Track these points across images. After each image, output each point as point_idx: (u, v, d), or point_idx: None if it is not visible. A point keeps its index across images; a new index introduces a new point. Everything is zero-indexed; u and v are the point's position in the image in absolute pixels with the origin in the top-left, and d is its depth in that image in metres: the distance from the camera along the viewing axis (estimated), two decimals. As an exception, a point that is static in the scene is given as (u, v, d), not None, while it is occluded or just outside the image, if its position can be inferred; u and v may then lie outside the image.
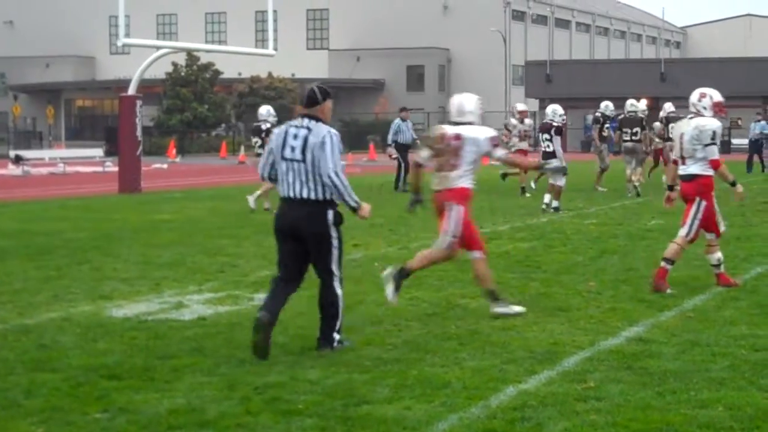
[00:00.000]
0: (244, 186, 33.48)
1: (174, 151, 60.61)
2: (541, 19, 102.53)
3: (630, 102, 27.81)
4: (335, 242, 8.97)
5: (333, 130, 9.00)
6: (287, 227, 8.97)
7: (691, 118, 12.15)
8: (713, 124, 11.99)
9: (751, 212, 21.59)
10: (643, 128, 26.89)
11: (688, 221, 12.16)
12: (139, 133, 31.54)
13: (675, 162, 12.28)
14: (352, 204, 8.99)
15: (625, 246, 16.32)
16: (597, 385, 7.79)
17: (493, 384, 7.85)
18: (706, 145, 11.91)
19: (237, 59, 69.27)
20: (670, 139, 22.94)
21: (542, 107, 74.76)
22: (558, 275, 13.20)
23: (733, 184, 12.28)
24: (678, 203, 12.42)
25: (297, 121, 9.07)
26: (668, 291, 11.74)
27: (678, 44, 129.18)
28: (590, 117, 46.86)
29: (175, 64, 75.62)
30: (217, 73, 77.15)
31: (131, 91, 31.75)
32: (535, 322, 10.20)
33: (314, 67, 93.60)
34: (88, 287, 12.57)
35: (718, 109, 12.20)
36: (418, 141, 29.62)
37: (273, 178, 9.21)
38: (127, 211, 23.70)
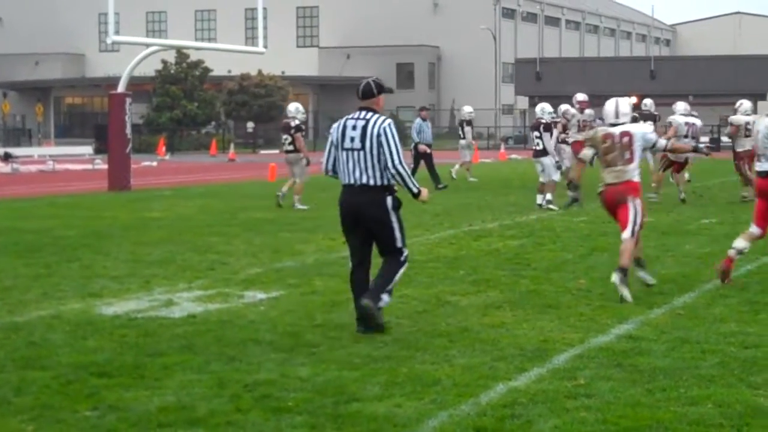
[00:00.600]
0: (233, 184, 33.48)
1: (164, 148, 60.58)
2: (531, 17, 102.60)
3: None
4: (395, 224, 9.56)
5: (389, 120, 9.61)
6: (350, 213, 9.62)
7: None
8: None
9: (741, 209, 21.62)
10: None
11: None
12: (128, 130, 31.49)
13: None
14: (414, 190, 9.66)
15: (615, 244, 16.28)
16: (587, 382, 7.79)
17: (483, 381, 7.85)
18: None
19: (227, 57, 69.19)
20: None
21: (532, 105, 74.83)
22: (548, 273, 13.21)
23: None
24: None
25: (355, 114, 9.71)
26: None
27: (668, 42, 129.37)
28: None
29: (164, 62, 75.52)
30: (207, 70, 77.04)
31: (121, 88, 31.71)
32: (525, 319, 10.20)
33: (304, 64, 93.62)
34: (78, 285, 12.55)
35: None
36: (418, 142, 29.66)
37: (334, 172, 9.79)
38: (117, 208, 23.67)
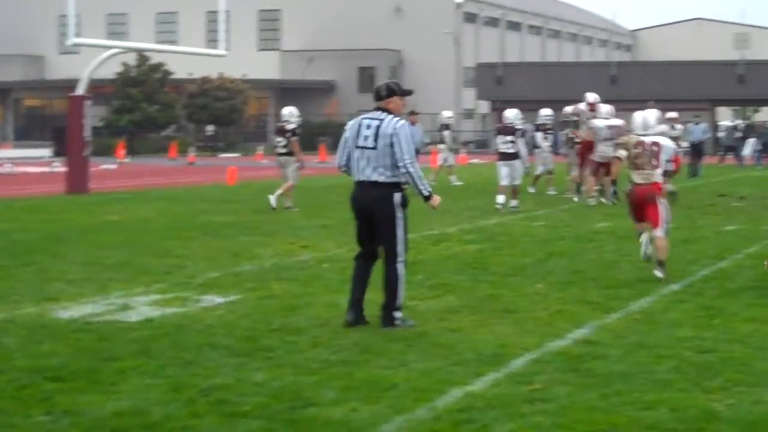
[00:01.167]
0: (193, 187, 33.35)
1: (123, 151, 60.25)
2: (493, 22, 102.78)
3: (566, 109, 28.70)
4: (400, 222, 9.88)
5: (403, 121, 9.99)
6: (360, 208, 10.04)
7: None
8: None
9: (698, 214, 21.77)
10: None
11: None
12: (87, 133, 31.29)
13: None
14: (425, 192, 9.94)
15: (573, 248, 16.40)
16: (543, 386, 7.81)
17: (440, 386, 7.85)
18: None
19: (188, 60, 68.85)
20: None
21: (494, 109, 74.95)
22: (506, 277, 13.23)
23: None
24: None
25: (371, 114, 10.10)
26: None
27: (629, 47, 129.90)
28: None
29: (125, 64, 75.12)
30: (168, 73, 76.66)
31: (80, 91, 31.50)
32: (482, 324, 10.22)
33: (266, 67, 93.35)
34: (34, 289, 12.45)
35: None
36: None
37: (347, 167, 10.17)
38: (75, 212, 23.51)
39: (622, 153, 13.79)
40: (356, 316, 10.06)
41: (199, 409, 7.27)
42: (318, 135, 71.58)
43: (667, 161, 13.63)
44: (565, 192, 27.36)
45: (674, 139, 28.86)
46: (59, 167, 41.24)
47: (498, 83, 77.25)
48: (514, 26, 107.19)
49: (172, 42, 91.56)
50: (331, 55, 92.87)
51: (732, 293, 12.03)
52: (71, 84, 35.61)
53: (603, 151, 24.01)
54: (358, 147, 9.99)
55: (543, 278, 13.18)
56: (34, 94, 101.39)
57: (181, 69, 78.21)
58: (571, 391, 7.70)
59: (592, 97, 27.65)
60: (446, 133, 33.90)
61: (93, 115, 33.80)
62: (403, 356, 8.82)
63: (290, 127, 23.55)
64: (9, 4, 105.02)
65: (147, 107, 74.75)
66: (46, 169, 45.42)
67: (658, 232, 13.30)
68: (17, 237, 18.04)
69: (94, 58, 32.91)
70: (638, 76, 73.13)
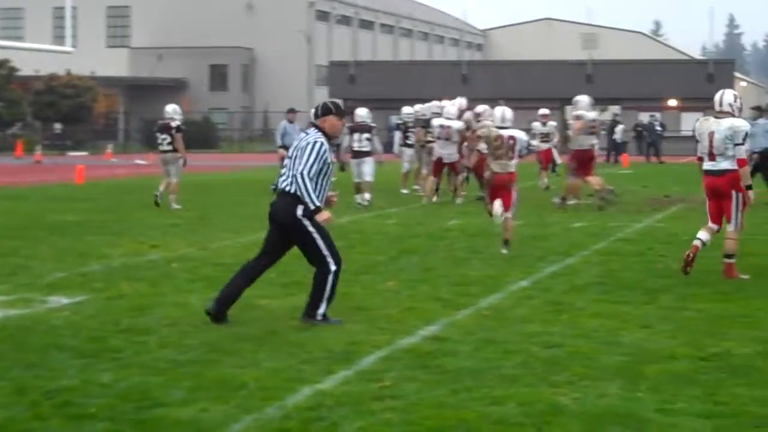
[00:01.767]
0: (40, 186, 32.69)
1: (-32, 149, 58.79)
2: (345, 20, 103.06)
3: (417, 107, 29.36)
4: (312, 229, 10.04)
5: (322, 139, 10.10)
6: (271, 214, 10.24)
7: (718, 117, 12.84)
8: (745, 125, 12.85)
9: (548, 212, 22.11)
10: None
11: (733, 214, 12.87)
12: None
13: (699, 159, 13.10)
14: (311, 206, 9.99)
15: (425, 246, 16.50)
16: (393, 383, 7.83)
17: (290, 384, 7.82)
18: (737, 144, 12.69)
19: (34, 56, 67.66)
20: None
21: (346, 108, 75.08)
22: (358, 275, 13.24)
23: (749, 188, 12.98)
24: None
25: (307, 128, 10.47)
26: (744, 277, 12.77)
27: (480, 46, 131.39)
28: (393, 118, 47.18)
29: (-31, 61, 73.29)
30: (14, 70, 74.97)
31: None
32: (333, 321, 10.20)
33: (114, 65, 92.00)
34: None
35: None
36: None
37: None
38: None
39: (482, 147, 15.43)
40: (218, 310, 10.03)
41: (42, 411, 7.11)
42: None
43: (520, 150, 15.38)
44: (415, 187, 27.72)
45: (546, 135, 30.55)
46: None
47: (350, 82, 77.44)
48: (367, 25, 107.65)
49: (18, 38, 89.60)
50: (181, 52, 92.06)
51: (579, 289, 12.23)
52: None
53: (438, 150, 24.50)
54: (288, 157, 10.26)
55: (394, 276, 13.23)
56: None
57: (27, 66, 76.56)
58: (420, 387, 7.73)
59: (544, 111, 31.23)
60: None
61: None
62: (253, 355, 8.76)
63: (175, 124, 23.34)
64: None
65: (-8, 104, 72.99)
66: None
67: (508, 214, 15.28)
68: None
69: (-65, 54, 32.03)
70: (489, 75, 74.03)
